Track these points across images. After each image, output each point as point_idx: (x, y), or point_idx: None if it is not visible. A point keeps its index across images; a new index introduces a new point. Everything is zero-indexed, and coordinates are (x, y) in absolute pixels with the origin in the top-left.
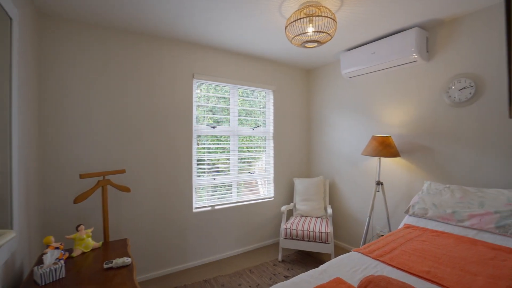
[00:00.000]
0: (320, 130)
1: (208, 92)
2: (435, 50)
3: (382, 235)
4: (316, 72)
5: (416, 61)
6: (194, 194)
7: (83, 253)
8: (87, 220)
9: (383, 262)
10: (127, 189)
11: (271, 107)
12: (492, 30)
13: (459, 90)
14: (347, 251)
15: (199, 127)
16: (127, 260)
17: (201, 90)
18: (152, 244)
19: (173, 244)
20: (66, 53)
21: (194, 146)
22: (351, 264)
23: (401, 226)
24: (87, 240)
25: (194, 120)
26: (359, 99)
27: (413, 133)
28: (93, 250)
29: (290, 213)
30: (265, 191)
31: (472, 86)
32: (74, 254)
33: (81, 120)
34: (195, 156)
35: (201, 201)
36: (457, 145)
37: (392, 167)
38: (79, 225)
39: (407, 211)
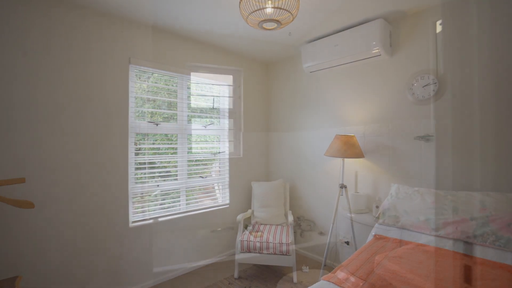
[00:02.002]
0: (280, 128)
1: (156, 83)
2: (398, 44)
3: (346, 242)
4: (276, 66)
5: (380, 55)
6: (130, 206)
7: None
8: None
9: None
10: (28, 205)
11: (226, 103)
12: (454, 24)
13: (423, 86)
14: (310, 260)
15: (138, 124)
16: None
17: (144, 79)
18: (70, 275)
19: (100, 271)
20: None
21: (132, 146)
22: None
23: (370, 237)
24: None
25: (131, 115)
26: (322, 96)
27: (377, 132)
28: None
29: (248, 221)
30: (220, 197)
31: (435, 83)
32: None
33: None
34: (132, 158)
35: (141, 213)
36: (421, 145)
37: (356, 169)
38: None
39: (377, 220)
